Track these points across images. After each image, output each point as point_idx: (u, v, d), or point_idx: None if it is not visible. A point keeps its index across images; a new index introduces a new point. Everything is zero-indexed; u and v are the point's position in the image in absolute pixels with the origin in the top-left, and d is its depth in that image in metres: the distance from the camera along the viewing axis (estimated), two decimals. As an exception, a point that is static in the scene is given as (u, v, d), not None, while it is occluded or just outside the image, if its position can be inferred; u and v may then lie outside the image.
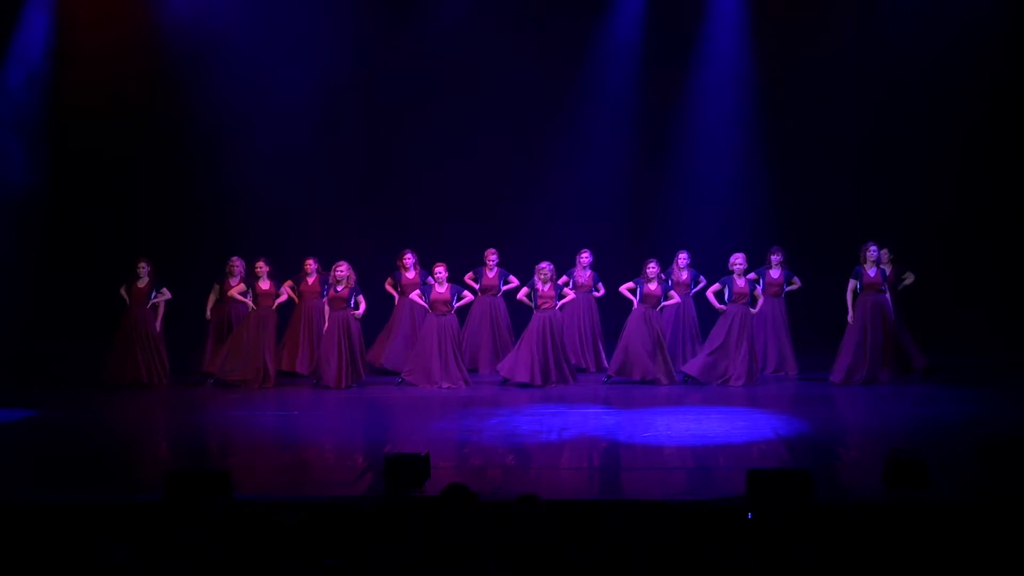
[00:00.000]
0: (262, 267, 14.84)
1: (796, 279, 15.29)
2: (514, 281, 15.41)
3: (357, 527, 7.90)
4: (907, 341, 14.82)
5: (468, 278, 15.48)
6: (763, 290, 15.07)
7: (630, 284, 14.78)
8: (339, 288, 14.54)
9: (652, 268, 14.62)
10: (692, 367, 14.62)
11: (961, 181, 17.96)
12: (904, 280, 15.15)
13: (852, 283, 14.56)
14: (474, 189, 18.86)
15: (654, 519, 7.83)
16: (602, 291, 15.58)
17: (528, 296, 14.77)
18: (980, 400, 13.23)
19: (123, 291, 14.81)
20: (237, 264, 15.18)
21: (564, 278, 15.22)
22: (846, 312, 14.57)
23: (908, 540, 6.79)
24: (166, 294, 14.89)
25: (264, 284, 14.80)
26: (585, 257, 15.55)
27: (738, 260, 14.65)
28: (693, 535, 7.00)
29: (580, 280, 15.43)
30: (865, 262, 14.53)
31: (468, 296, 14.97)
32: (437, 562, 6.37)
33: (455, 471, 10.05)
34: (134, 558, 6.64)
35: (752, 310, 14.64)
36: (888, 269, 15.12)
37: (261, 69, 18.41)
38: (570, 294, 14.94)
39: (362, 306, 14.66)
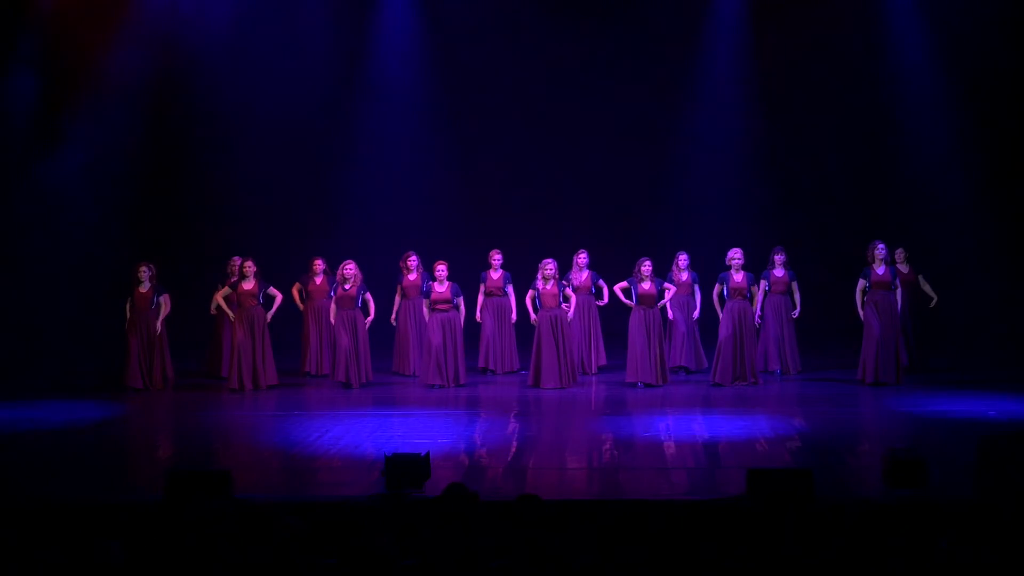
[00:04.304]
0: (249, 267, 14.78)
1: (795, 286, 15.11)
2: (512, 294, 15.36)
3: (357, 527, 7.90)
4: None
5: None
6: (768, 289, 15.04)
7: (623, 284, 14.72)
8: (347, 287, 14.54)
9: (646, 268, 14.55)
10: (716, 374, 14.53)
11: (963, 180, 17.97)
12: (923, 286, 15.29)
13: (861, 283, 14.51)
14: (476, 190, 18.90)
15: (654, 519, 7.83)
16: (605, 299, 15.49)
17: (532, 300, 14.72)
18: (980, 400, 13.22)
19: (127, 306, 14.72)
20: (237, 264, 15.15)
21: (565, 283, 15.04)
22: (855, 312, 14.51)
23: (908, 540, 6.79)
24: (167, 301, 14.82)
25: (248, 284, 14.76)
26: (582, 258, 15.52)
27: (736, 255, 14.60)
28: (693, 535, 7.00)
29: (577, 282, 15.40)
30: (874, 261, 14.48)
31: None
32: (437, 562, 6.37)
33: (455, 471, 10.05)
34: (134, 558, 6.64)
35: (753, 309, 14.63)
36: (906, 268, 15.16)
37: (263, 68, 18.45)
38: (573, 299, 14.83)
39: (371, 306, 14.68)
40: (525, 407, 13.47)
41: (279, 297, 14.99)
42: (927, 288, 15.51)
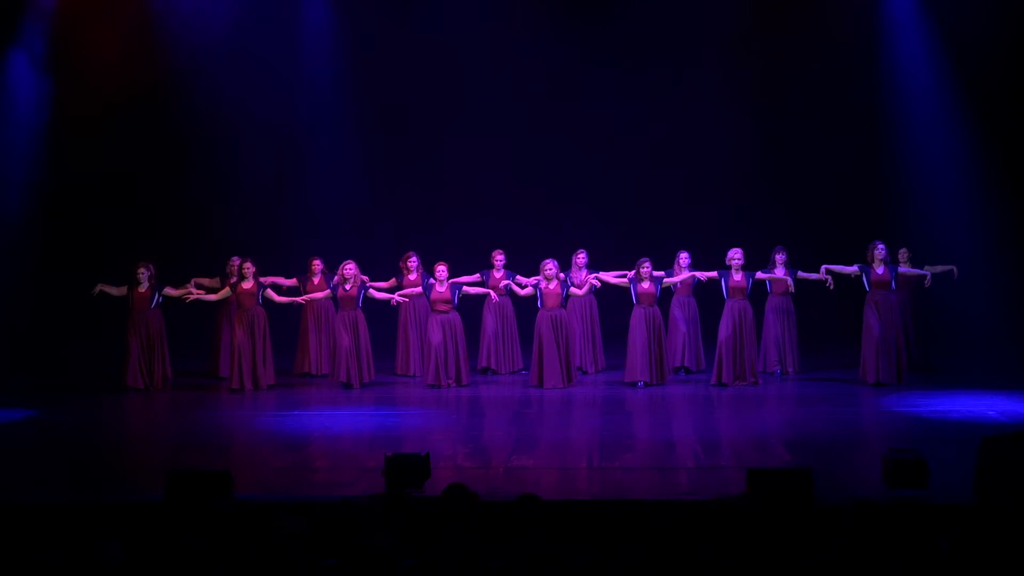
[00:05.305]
0: (249, 267, 14.77)
1: (800, 274, 15.11)
2: (521, 280, 15.33)
3: (357, 527, 7.90)
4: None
5: (469, 281, 15.31)
6: (770, 288, 15.03)
7: (623, 282, 14.68)
8: (347, 287, 14.56)
9: (646, 268, 14.53)
10: (717, 374, 14.48)
11: (963, 180, 17.97)
12: (934, 269, 15.27)
13: (854, 268, 14.49)
14: (476, 190, 18.90)
15: (654, 519, 7.83)
16: (607, 277, 15.38)
17: (534, 289, 14.74)
18: (980, 400, 13.21)
19: (117, 292, 14.76)
20: (236, 264, 15.14)
21: (563, 275, 15.04)
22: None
23: (908, 541, 6.79)
24: (171, 292, 14.86)
25: (247, 284, 14.76)
26: (581, 257, 15.50)
27: (736, 255, 14.60)
28: (693, 535, 6.99)
29: (577, 281, 15.39)
30: (873, 260, 14.48)
31: (468, 289, 14.91)
32: (437, 562, 6.37)
33: (455, 471, 10.05)
34: (134, 558, 6.64)
35: (791, 282, 14.68)
36: (908, 269, 15.16)
37: (262, 68, 18.45)
38: (581, 289, 14.91)
39: (376, 294, 14.73)
40: (526, 406, 13.47)
41: (278, 293, 15.02)
42: (938, 269, 15.38)
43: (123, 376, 14.60)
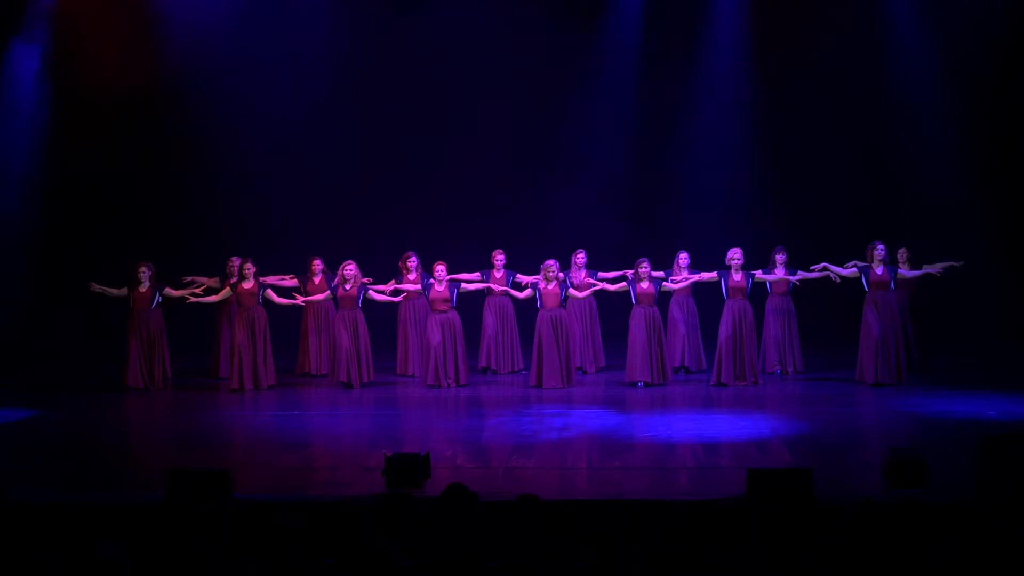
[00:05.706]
0: (249, 267, 14.77)
1: (801, 274, 15.10)
2: (521, 280, 15.33)
3: (357, 527, 7.89)
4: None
5: (468, 278, 15.33)
6: (770, 289, 15.03)
7: (622, 285, 14.67)
8: (347, 287, 14.57)
9: (645, 268, 14.53)
10: (717, 374, 14.47)
11: (963, 180, 17.97)
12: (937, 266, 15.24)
13: (853, 268, 14.48)
14: (475, 190, 18.90)
15: (654, 519, 7.82)
16: (600, 285, 15.44)
17: (533, 288, 14.74)
18: (980, 400, 13.22)
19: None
20: (236, 264, 15.14)
21: (562, 275, 15.06)
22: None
23: (908, 540, 6.79)
24: (171, 293, 14.88)
25: (248, 284, 14.76)
26: (580, 258, 15.50)
27: (736, 255, 14.60)
28: (693, 535, 6.99)
29: (577, 281, 15.39)
30: (873, 261, 14.49)
31: (467, 286, 14.93)
32: (437, 562, 6.36)
33: (455, 471, 10.05)
34: (133, 559, 6.63)
35: (794, 279, 14.63)
36: (907, 269, 15.14)
37: (262, 68, 18.46)
38: (581, 292, 14.94)
39: (376, 296, 14.72)
40: (526, 407, 13.47)
41: (278, 294, 15.01)
42: (937, 266, 15.33)
43: (123, 376, 14.61)
